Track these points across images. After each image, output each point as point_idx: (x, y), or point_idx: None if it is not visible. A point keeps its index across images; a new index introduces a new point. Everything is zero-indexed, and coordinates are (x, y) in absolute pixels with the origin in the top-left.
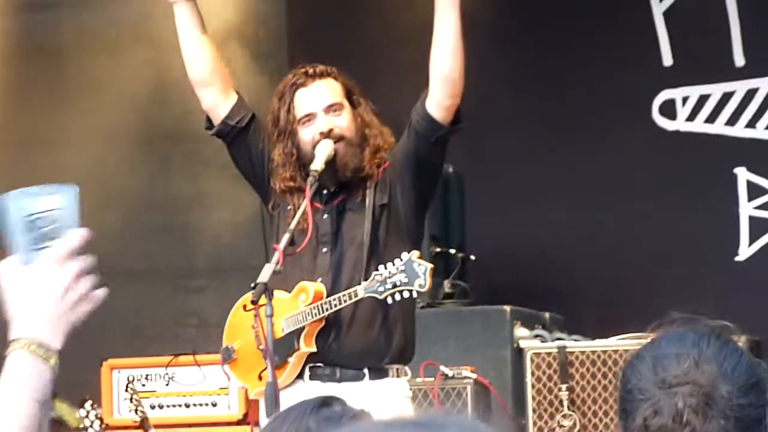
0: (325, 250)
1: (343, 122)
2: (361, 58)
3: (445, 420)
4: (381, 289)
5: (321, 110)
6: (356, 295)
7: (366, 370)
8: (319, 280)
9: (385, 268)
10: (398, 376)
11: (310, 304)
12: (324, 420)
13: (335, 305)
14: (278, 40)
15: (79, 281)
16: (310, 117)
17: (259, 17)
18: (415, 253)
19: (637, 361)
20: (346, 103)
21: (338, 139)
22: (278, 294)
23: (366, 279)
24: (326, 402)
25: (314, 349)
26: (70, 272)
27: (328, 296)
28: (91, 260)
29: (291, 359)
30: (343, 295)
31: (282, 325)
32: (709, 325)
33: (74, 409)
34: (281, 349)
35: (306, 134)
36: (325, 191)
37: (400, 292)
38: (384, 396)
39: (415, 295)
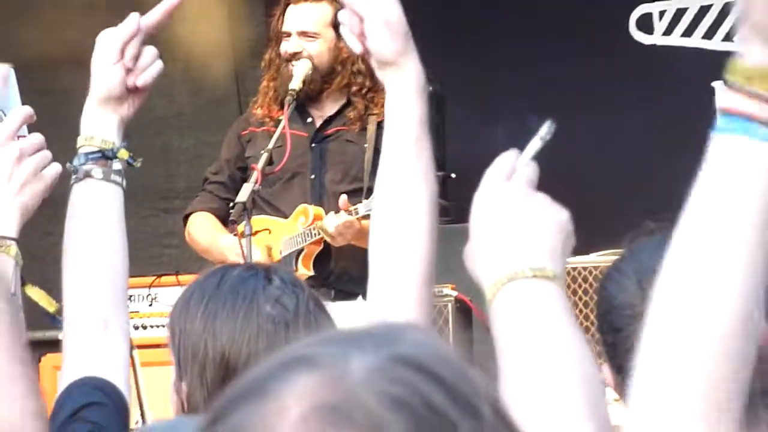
0: (313, 176)
1: (315, 49)
2: None
3: (400, 332)
4: None
5: (295, 32)
6: (357, 213)
7: (360, 292)
8: None
9: None
10: None
11: (309, 225)
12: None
13: None
14: None
15: (22, 161)
16: (288, 35)
17: None
18: None
19: (620, 275)
20: (328, 33)
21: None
22: (275, 218)
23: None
24: (268, 277)
25: (311, 273)
26: (10, 154)
27: None
28: (38, 138)
29: None
30: (345, 212)
31: (280, 248)
32: None
33: (48, 296)
34: None
35: (282, 47)
36: (309, 119)
37: None
38: None
39: None
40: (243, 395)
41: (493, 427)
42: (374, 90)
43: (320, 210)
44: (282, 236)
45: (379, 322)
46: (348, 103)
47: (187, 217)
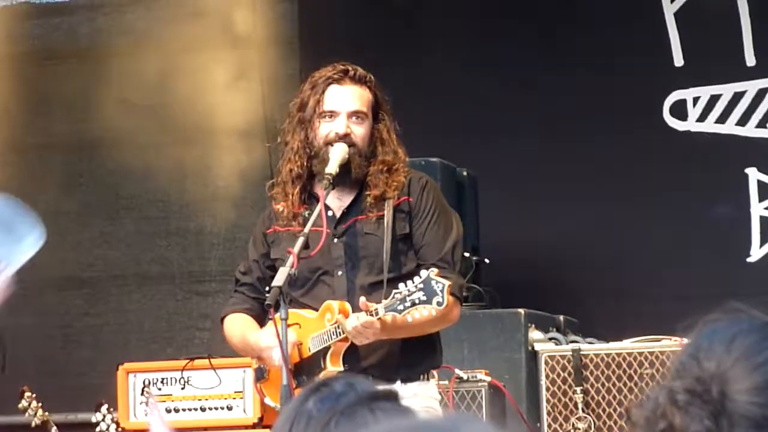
0: (340, 273)
1: (361, 131)
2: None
3: (460, 424)
4: (400, 307)
5: (345, 112)
6: (377, 314)
7: (397, 379)
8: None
9: (405, 286)
10: (427, 380)
11: (335, 323)
12: (321, 401)
13: None
14: (290, 46)
15: None
16: (332, 114)
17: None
18: (434, 271)
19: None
20: (370, 115)
21: (351, 144)
22: (305, 313)
23: (386, 298)
24: (326, 382)
25: (341, 369)
26: None
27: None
28: None
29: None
30: (365, 313)
31: (309, 345)
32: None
33: None
34: (309, 368)
35: (323, 129)
36: (330, 213)
37: (419, 310)
38: (415, 398)
39: (434, 313)
40: None
41: None
42: (391, 169)
43: (346, 306)
44: (310, 333)
45: (442, 415)
46: (365, 185)
47: (222, 320)
